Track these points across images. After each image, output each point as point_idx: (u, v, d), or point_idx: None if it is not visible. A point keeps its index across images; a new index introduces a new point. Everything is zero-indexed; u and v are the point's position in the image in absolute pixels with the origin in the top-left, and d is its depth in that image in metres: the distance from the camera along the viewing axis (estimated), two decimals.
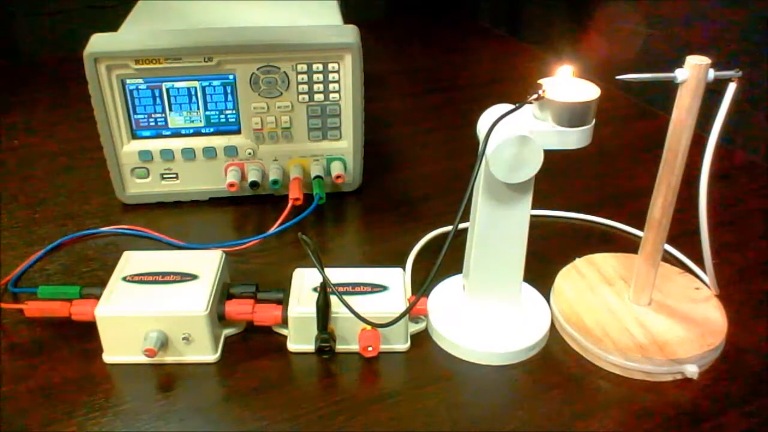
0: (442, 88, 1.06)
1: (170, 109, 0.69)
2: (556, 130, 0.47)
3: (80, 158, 0.81)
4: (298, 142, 0.72)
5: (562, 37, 1.36)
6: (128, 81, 0.66)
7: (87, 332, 0.53)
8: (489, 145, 0.48)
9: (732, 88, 0.47)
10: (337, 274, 0.55)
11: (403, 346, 0.54)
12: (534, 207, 0.52)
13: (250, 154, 0.71)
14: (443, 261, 0.48)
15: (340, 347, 0.53)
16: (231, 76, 0.67)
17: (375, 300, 0.53)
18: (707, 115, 0.49)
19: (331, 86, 0.69)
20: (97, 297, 0.52)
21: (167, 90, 0.68)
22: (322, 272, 0.50)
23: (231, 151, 0.71)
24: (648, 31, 1.16)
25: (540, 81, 0.48)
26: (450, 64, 1.16)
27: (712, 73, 0.46)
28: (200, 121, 0.70)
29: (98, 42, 0.65)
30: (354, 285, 0.54)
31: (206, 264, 0.55)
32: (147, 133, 0.70)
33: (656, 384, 0.51)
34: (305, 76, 0.68)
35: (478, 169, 0.48)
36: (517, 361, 0.53)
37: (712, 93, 0.48)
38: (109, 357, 0.53)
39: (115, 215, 0.71)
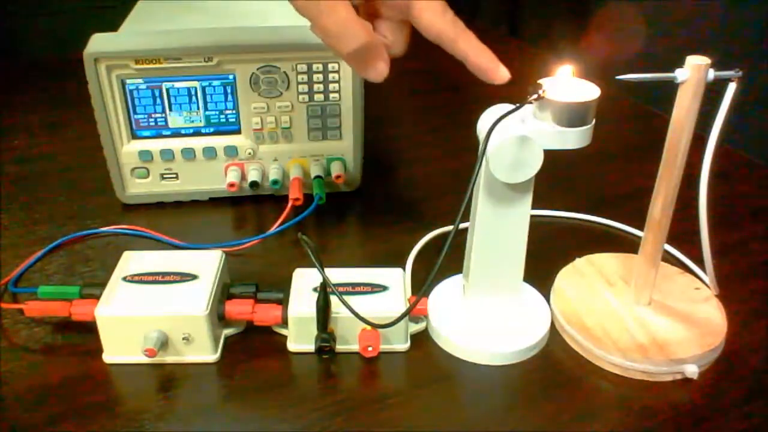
0: (442, 88, 1.06)
1: (170, 109, 0.69)
2: (556, 130, 0.47)
3: (80, 158, 0.81)
4: (298, 142, 0.72)
5: (562, 37, 1.36)
6: (128, 81, 0.66)
7: (87, 332, 0.53)
8: (489, 145, 0.48)
9: (732, 88, 0.47)
10: (337, 274, 0.55)
11: (403, 346, 0.54)
12: (534, 207, 0.52)
13: (250, 154, 0.71)
14: (443, 261, 0.48)
15: (340, 347, 0.53)
16: (231, 76, 0.67)
17: (375, 300, 0.53)
18: (707, 115, 0.49)
19: (331, 86, 0.69)
20: (97, 297, 0.52)
21: (167, 90, 0.68)
22: (322, 272, 0.50)
23: (231, 151, 0.71)
24: (648, 31, 1.16)
25: (540, 81, 0.48)
26: (450, 64, 1.15)
27: (712, 73, 0.46)
28: (200, 121, 0.70)
29: (98, 42, 0.65)
30: (354, 285, 0.54)
31: (206, 264, 0.55)
32: (147, 133, 0.70)
33: (656, 384, 0.51)
34: (305, 76, 0.68)
35: (478, 169, 0.48)
36: (517, 361, 0.53)
37: (712, 93, 0.48)
38: (109, 357, 0.53)
39: (115, 215, 0.71)
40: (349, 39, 0.44)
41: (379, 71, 0.47)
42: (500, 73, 0.49)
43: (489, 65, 0.49)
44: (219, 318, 0.53)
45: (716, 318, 0.55)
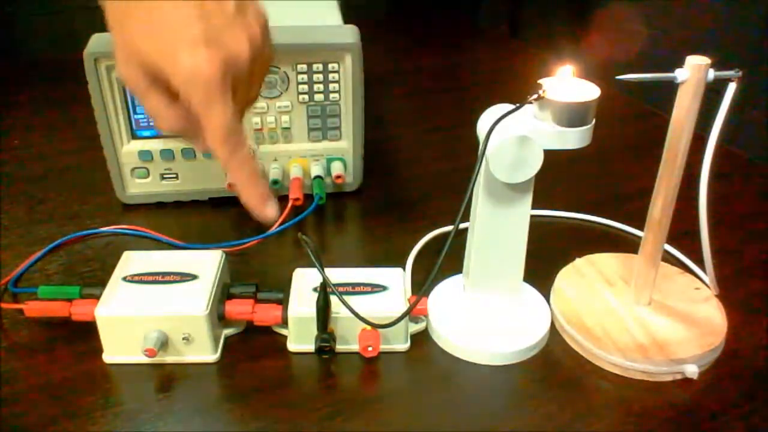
0: (442, 88, 1.06)
1: None
2: (556, 130, 0.47)
3: (80, 158, 0.81)
4: (298, 142, 0.72)
5: (562, 37, 1.36)
6: None
7: (87, 332, 0.53)
8: (489, 145, 0.48)
9: (732, 88, 0.47)
10: (337, 274, 0.55)
11: (403, 346, 0.54)
12: (534, 207, 0.52)
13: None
14: (443, 261, 0.48)
15: (340, 347, 0.53)
16: None
17: (375, 300, 0.53)
18: (707, 115, 0.49)
19: (331, 86, 0.69)
20: (97, 297, 0.52)
21: None
22: (322, 272, 0.50)
23: None
24: (648, 31, 1.16)
25: (540, 81, 0.48)
26: (450, 64, 1.16)
27: (712, 73, 0.46)
28: None
29: (98, 42, 0.65)
30: (354, 285, 0.54)
31: (206, 264, 0.55)
32: (147, 133, 0.70)
33: (656, 384, 0.51)
34: (305, 76, 0.68)
35: (478, 169, 0.48)
36: (517, 361, 0.53)
37: (712, 93, 0.48)
38: (109, 357, 0.53)
39: (115, 215, 0.71)
40: (159, 123, 0.47)
41: (200, 149, 0.47)
42: (266, 211, 0.48)
43: (255, 200, 0.48)
44: (219, 318, 0.53)
45: (716, 318, 0.55)
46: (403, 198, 0.76)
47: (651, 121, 0.94)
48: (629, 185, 0.77)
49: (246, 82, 0.46)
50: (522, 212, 0.52)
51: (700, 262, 0.59)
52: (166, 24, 0.42)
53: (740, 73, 0.47)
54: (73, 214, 0.71)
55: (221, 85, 0.43)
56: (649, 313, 0.55)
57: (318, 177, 0.72)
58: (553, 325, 0.57)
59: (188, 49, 0.42)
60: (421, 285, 0.52)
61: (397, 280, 0.56)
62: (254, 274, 0.62)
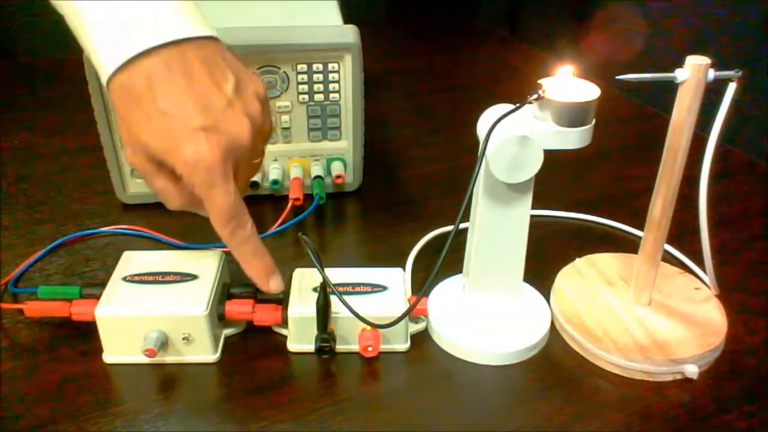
0: (442, 88, 1.06)
1: None
2: (556, 130, 0.47)
3: (80, 158, 0.81)
4: (298, 142, 0.72)
5: (562, 37, 1.36)
6: None
7: (87, 332, 0.53)
8: (489, 146, 0.48)
9: (732, 88, 0.47)
10: (337, 274, 0.55)
11: (403, 346, 0.54)
12: (534, 207, 0.52)
13: None
14: (443, 261, 0.48)
15: (340, 347, 0.53)
16: None
17: (375, 300, 0.53)
18: (707, 115, 0.49)
19: (331, 86, 0.69)
20: (97, 297, 0.52)
21: None
22: (322, 272, 0.50)
23: None
24: (648, 31, 1.16)
25: (540, 81, 0.48)
26: (450, 64, 1.16)
27: (712, 73, 0.46)
28: None
29: None
30: (354, 285, 0.54)
31: (206, 264, 0.55)
32: None
33: (656, 384, 0.51)
34: (305, 76, 0.68)
35: (478, 169, 0.48)
36: (517, 361, 0.53)
37: (712, 93, 0.48)
38: (109, 357, 0.53)
39: (115, 215, 0.71)
40: (166, 202, 0.50)
41: (203, 215, 0.49)
42: (269, 286, 0.50)
43: (256, 276, 0.49)
44: (219, 318, 0.53)
45: (716, 318, 0.55)
46: (403, 198, 0.76)
47: (651, 121, 0.94)
48: (629, 185, 0.77)
49: (248, 158, 0.47)
50: (522, 212, 0.52)
51: (700, 262, 0.59)
52: (169, 120, 0.43)
53: (740, 73, 0.47)
54: (73, 214, 0.71)
55: (221, 169, 0.44)
56: (649, 313, 0.55)
57: (318, 177, 0.72)
58: (553, 325, 0.57)
59: (190, 138, 0.43)
60: (421, 285, 0.52)
61: (397, 280, 0.56)
62: None
